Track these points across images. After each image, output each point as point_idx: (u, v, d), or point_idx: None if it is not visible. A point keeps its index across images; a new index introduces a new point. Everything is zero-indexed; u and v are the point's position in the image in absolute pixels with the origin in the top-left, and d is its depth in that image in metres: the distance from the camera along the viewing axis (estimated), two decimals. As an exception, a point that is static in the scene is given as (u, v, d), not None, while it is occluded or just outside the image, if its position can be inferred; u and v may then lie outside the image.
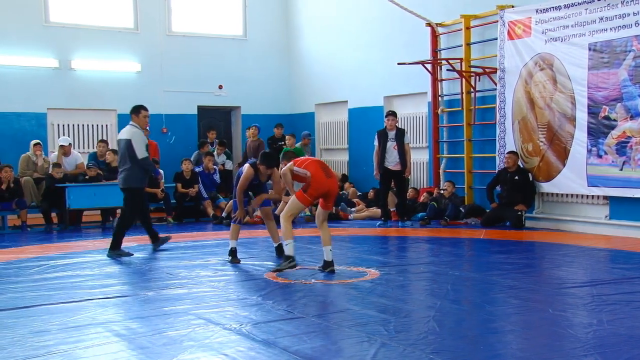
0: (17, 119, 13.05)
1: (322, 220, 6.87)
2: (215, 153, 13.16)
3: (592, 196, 9.60)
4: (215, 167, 12.69)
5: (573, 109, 9.52)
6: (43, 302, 5.61)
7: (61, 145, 11.82)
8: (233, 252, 7.49)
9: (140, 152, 8.03)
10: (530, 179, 10.10)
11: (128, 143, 8.02)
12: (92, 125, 13.78)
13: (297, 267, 6.75)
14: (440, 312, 5.12)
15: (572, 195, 9.90)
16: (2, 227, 10.80)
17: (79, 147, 13.30)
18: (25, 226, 10.86)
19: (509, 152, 10.28)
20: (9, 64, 12.92)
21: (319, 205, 6.94)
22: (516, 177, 10.09)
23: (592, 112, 9.26)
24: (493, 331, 4.66)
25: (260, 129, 13.50)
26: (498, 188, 10.40)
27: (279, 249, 7.51)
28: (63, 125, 13.47)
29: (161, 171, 12.02)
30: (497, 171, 10.52)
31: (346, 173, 14.08)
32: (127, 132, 8.18)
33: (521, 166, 10.24)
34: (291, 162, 6.89)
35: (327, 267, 6.75)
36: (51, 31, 13.36)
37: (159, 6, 14.33)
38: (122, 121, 13.83)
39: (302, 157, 7.09)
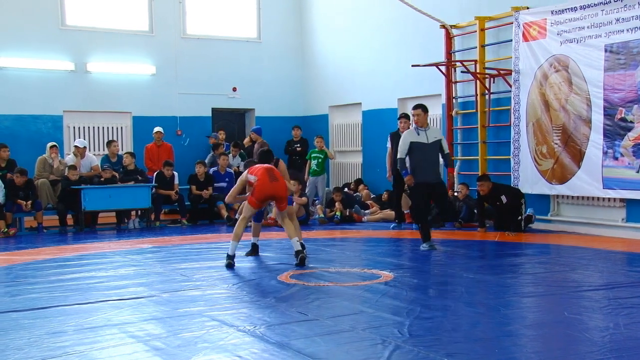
0: (33, 122, 13.18)
1: (282, 219, 7.44)
2: (230, 155, 13.22)
3: (608, 199, 9.52)
4: (229, 169, 12.73)
5: (588, 111, 9.45)
6: (59, 303, 5.66)
7: (76, 146, 11.92)
8: (254, 246, 7.96)
9: (399, 152, 8.55)
10: (504, 201, 9.82)
11: None
12: (108, 128, 13.89)
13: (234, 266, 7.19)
14: (454, 314, 5.10)
15: (587, 197, 9.82)
16: (19, 228, 10.90)
17: (94, 150, 13.41)
18: (41, 228, 10.95)
19: (480, 178, 10.04)
20: (26, 67, 13.06)
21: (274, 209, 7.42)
22: (497, 203, 9.96)
23: (608, 113, 9.19)
24: (508, 334, 4.63)
25: (272, 130, 13.47)
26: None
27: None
28: (79, 128, 13.59)
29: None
30: (477, 197, 10.36)
31: (360, 176, 14.07)
32: None
33: (498, 189, 9.98)
34: (246, 172, 7.51)
35: (298, 255, 7.24)
36: (67, 34, 13.48)
37: (174, 9, 14.42)
38: (137, 123, 14.00)
39: (257, 166, 7.52)
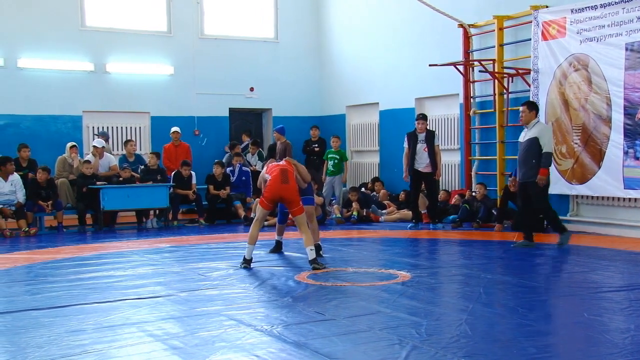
0: (53, 122, 13.31)
1: (299, 225, 7.32)
2: (249, 153, 13.27)
3: (629, 199, 9.41)
4: (247, 168, 12.76)
5: (609, 110, 9.35)
6: (78, 302, 5.70)
7: (94, 147, 12.02)
8: (277, 243, 8.15)
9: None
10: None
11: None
12: (126, 128, 13.99)
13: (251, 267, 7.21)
14: (472, 315, 5.07)
15: (607, 198, 9.72)
16: (39, 228, 11.01)
17: (114, 149, 13.50)
18: (61, 227, 11.06)
19: (513, 175, 10.04)
20: (46, 68, 13.20)
21: None
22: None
23: (629, 113, 9.08)
24: (526, 335, 4.59)
25: (289, 130, 13.50)
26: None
27: (316, 248, 7.70)
28: (98, 128, 13.69)
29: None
30: (502, 192, 10.33)
31: (377, 175, 14.02)
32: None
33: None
34: (264, 169, 7.60)
35: (312, 264, 7.09)
36: (87, 35, 13.60)
37: (192, 9, 14.49)
38: (155, 123, 14.10)
39: (274, 165, 7.60)
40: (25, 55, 13.09)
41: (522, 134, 8.61)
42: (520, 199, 8.65)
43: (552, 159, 8.61)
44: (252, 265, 7.28)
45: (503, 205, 10.22)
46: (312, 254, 7.16)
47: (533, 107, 8.58)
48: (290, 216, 8.05)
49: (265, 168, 7.72)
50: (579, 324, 4.85)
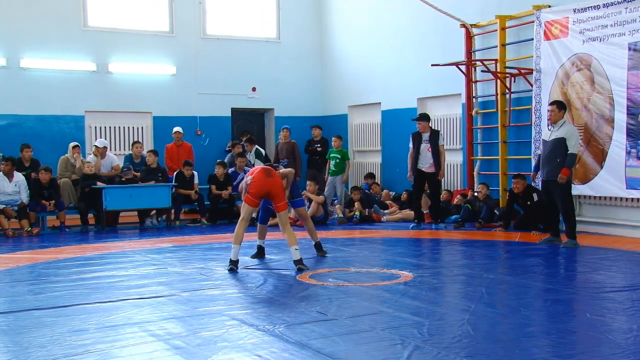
0: (56, 122, 13.33)
1: (281, 223, 7.18)
2: (247, 152, 13.27)
3: (631, 199, 9.40)
4: (248, 168, 12.75)
5: (611, 110, 9.34)
6: (80, 301, 5.71)
7: (95, 146, 12.02)
8: (259, 248, 7.87)
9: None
10: (535, 199, 9.79)
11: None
12: (129, 128, 14.01)
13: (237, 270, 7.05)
14: (474, 315, 5.06)
15: (610, 198, 9.71)
16: (42, 227, 11.02)
17: (116, 149, 13.53)
18: (63, 227, 11.07)
19: (516, 176, 10.07)
20: (49, 68, 13.22)
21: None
22: (528, 203, 9.92)
23: (632, 113, 9.07)
24: (529, 335, 4.59)
25: (292, 130, 13.54)
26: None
27: (318, 246, 7.76)
28: (100, 128, 13.72)
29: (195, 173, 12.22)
30: (508, 195, 10.33)
31: (379, 175, 14.01)
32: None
33: (531, 188, 9.95)
34: (247, 174, 7.52)
35: (297, 265, 6.99)
36: (89, 35, 13.62)
37: (194, 10, 14.50)
38: (158, 123, 14.11)
39: (257, 167, 7.59)
40: (28, 55, 13.11)
41: (547, 132, 8.66)
42: (544, 195, 8.73)
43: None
44: (254, 265, 7.28)
45: (509, 208, 10.19)
46: (296, 254, 7.04)
47: (562, 106, 8.60)
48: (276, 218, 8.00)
49: (247, 173, 7.58)
50: (582, 324, 4.84)
